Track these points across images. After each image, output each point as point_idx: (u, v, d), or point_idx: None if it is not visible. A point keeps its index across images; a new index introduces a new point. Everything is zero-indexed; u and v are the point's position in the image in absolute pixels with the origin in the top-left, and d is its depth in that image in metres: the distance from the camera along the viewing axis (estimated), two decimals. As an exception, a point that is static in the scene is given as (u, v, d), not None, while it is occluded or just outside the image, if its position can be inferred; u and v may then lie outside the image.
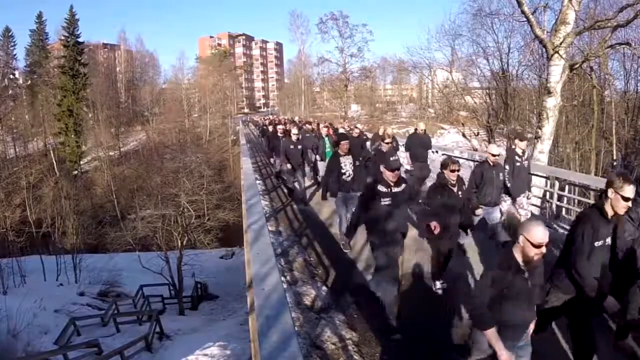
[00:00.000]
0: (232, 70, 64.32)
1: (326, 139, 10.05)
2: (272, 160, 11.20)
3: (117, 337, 13.33)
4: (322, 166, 9.61)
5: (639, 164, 19.78)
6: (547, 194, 7.61)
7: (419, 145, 9.06)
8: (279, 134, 10.65)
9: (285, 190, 9.92)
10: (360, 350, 3.60)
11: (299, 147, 8.94)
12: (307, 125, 16.10)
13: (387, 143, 6.96)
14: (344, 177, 6.00)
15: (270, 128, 16.59)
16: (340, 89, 51.86)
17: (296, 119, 24.25)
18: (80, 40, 46.63)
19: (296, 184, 9.00)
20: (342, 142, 6.14)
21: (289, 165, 8.60)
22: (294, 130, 9.33)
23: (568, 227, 6.12)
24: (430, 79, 34.96)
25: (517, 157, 5.79)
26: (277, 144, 10.29)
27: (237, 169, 31.56)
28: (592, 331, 3.05)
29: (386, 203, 4.06)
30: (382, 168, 3.98)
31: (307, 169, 10.21)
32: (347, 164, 6.06)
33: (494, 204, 5.56)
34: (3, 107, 44.55)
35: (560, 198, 7.38)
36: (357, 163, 6.16)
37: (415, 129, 9.56)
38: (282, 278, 4.54)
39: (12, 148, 43.83)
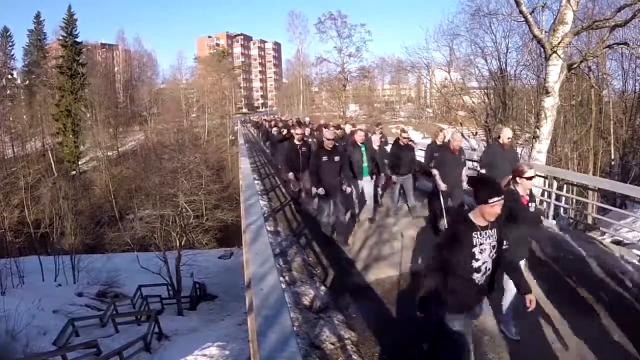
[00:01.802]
0: (230, 70, 64.29)
1: (363, 147, 7.21)
2: (286, 176, 8.06)
3: (116, 338, 13.33)
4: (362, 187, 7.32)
5: (637, 164, 19.84)
6: (545, 193, 7.62)
7: (503, 161, 5.90)
8: (296, 142, 7.70)
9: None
10: (359, 350, 3.61)
11: (337, 159, 6.23)
12: (326, 128, 11.94)
13: (529, 178, 3.64)
14: (476, 276, 2.77)
15: (275, 131, 13.65)
16: (339, 89, 51.87)
17: (306, 119, 20.71)
18: (78, 40, 46.50)
19: (329, 218, 6.33)
20: (492, 202, 2.70)
21: (320, 190, 6.06)
22: (328, 134, 6.41)
23: (566, 227, 6.16)
24: (429, 78, 34.96)
25: None
26: (293, 156, 7.70)
27: (236, 169, 31.56)
28: None
29: None
30: None
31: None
32: (486, 247, 2.77)
33: None
34: (1, 107, 44.45)
35: (558, 197, 7.39)
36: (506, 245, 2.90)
37: (497, 138, 6.47)
38: (281, 278, 4.55)
39: (10, 148, 43.76)
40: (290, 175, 7.65)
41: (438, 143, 7.41)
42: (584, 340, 3.66)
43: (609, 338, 3.70)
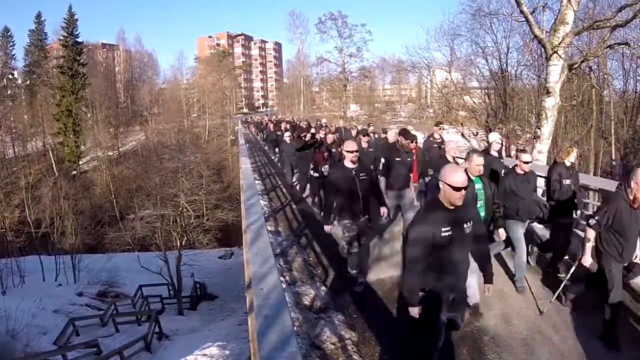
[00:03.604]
0: (231, 70, 64.33)
1: (478, 183, 4.19)
2: (337, 224, 4.83)
3: (116, 337, 13.32)
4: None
5: (638, 164, 19.84)
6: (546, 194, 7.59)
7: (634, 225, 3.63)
8: (349, 165, 4.57)
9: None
10: (359, 350, 3.60)
11: (469, 227, 2.87)
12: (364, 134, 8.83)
13: None
14: None
15: (287, 137, 10.42)
16: (339, 89, 51.84)
17: (323, 121, 17.97)
18: (79, 40, 46.54)
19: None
20: None
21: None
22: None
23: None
24: (429, 78, 34.96)
25: None
26: (347, 190, 4.53)
27: (236, 168, 31.55)
28: None
29: None
30: None
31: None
32: None
33: None
34: (2, 107, 44.53)
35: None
36: None
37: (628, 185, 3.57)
38: (281, 278, 4.54)
39: (11, 148, 43.80)
40: (339, 224, 4.69)
41: (567, 165, 5.07)
42: (584, 340, 3.66)
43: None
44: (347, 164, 4.60)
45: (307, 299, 4.56)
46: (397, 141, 6.09)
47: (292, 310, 4.05)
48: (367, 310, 4.30)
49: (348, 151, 4.60)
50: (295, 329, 3.14)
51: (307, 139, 9.06)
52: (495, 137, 6.28)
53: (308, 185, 8.77)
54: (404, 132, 6.14)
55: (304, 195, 9.36)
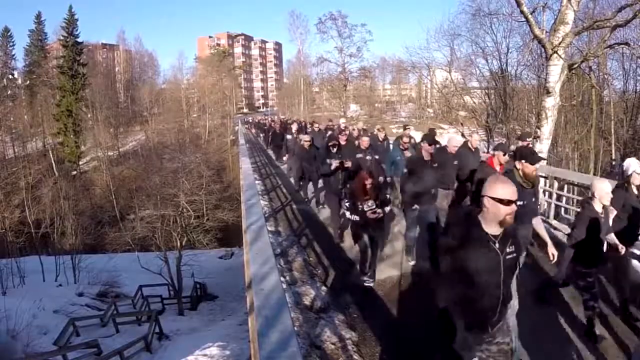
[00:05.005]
0: (231, 70, 64.25)
1: None
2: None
3: (117, 338, 13.34)
4: None
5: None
6: (547, 193, 7.62)
7: None
8: (495, 235, 2.13)
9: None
10: (359, 350, 3.60)
11: None
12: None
13: None
14: None
15: (306, 141, 8.18)
16: (340, 89, 51.88)
17: (342, 121, 15.65)
18: (79, 40, 46.49)
19: None
20: None
21: None
22: None
23: (567, 227, 6.15)
24: (429, 78, 35.03)
25: None
26: (470, 272, 2.11)
27: (236, 169, 31.56)
28: None
29: None
30: None
31: None
32: None
33: None
34: (2, 107, 44.40)
35: (559, 197, 7.38)
36: None
37: None
38: (282, 278, 4.54)
39: (11, 148, 43.68)
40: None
41: None
42: (585, 341, 3.65)
43: (608, 341, 3.69)
44: (489, 227, 2.18)
45: (307, 299, 4.56)
46: (516, 168, 3.81)
47: (292, 310, 4.05)
48: (368, 310, 4.29)
49: (498, 199, 2.13)
50: (295, 329, 3.14)
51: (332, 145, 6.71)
52: (635, 165, 4.23)
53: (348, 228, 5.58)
54: (528, 155, 3.81)
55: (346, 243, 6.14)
